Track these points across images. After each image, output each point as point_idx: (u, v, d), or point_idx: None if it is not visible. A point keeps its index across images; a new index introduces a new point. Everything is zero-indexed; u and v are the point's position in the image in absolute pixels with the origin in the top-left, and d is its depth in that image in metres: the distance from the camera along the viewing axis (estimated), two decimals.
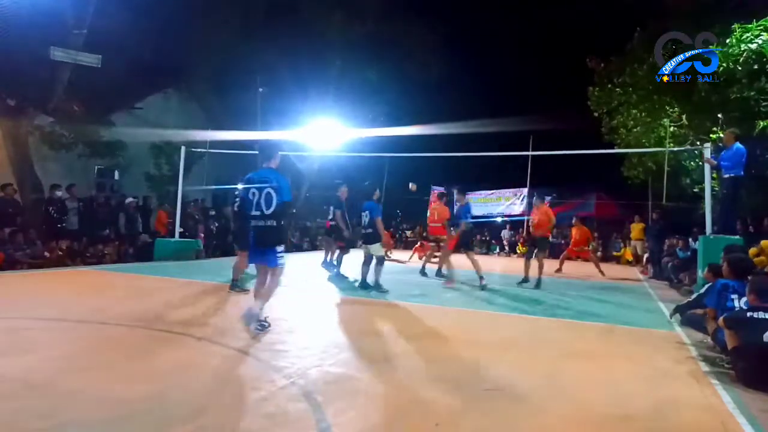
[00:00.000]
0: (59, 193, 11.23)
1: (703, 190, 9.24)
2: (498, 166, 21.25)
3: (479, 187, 22.06)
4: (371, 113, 20.39)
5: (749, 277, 4.56)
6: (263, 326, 4.69)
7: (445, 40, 21.12)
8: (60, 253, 10.05)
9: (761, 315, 3.85)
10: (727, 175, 7.97)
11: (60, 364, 3.59)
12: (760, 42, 9.85)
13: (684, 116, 13.08)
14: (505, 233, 22.47)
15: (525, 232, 20.26)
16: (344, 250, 9.91)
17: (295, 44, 18.06)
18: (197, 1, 15.90)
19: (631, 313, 6.97)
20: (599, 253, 17.26)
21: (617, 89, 13.96)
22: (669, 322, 6.12)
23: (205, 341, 4.37)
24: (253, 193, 4.79)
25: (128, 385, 3.23)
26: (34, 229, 10.13)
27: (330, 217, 9.45)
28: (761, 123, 9.93)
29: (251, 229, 4.80)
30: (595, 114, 15.29)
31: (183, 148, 12.72)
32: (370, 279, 7.98)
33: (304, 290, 7.83)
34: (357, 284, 8.24)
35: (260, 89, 16.85)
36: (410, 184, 10.71)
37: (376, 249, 7.91)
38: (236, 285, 7.16)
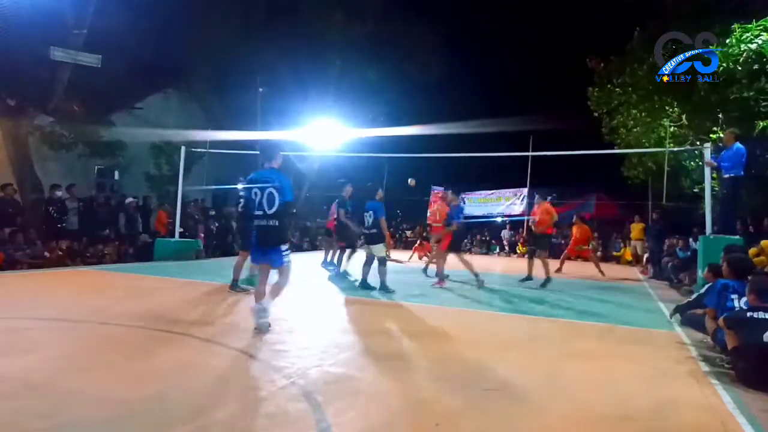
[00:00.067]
0: (59, 193, 11.23)
1: (703, 190, 9.25)
2: (498, 166, 21.22)
3: (479, 187, 22.07)
4: (371, 113, 20.41)
5: (749, 277, 4.56)
6: (264, 315, 4.67)
7: (445, 40, 21.16)
8: (60, 253, 10.05)
9: (761, 315, 3.85)
10: (727, 175, 7.99)
11: (60, 364, 3.59)
12: (760, 42, 9.86)
13: (684, 116, 13.08)
14: (505, 233, 22.49)
15: (525, 232, 20.28)
16: (344, 250, 9.92)
17: (295, 44, 18.08)
18: (197, 1, 15.90)
19: (631, 313, 6.96)
20: (599, 253, 17.26)
21: (617, 89, 13.96)
22: (669, 322, 6.13)
23: (205, 341, 4.37)
24: (256, 193, 4.79)
25: (128, 385, 3.23)
26: (34, 229, 10.13)
27: (333, 216, 9.42)
28: (761, 123, 9.94)
29: (254, 228, 4.81)
30: (595, 114, 15.30)
31: (183, 148, 12.73)
32: (373, 280, 7.98)
33: (304, 290, 7.83)
34: (357, 284, 8.24)
35: (260, 89, 16.86)
36: (409, 180, 10.70)
37: (379, 249, 7.90)
38: (236, 285, 7.16)
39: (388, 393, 3.29)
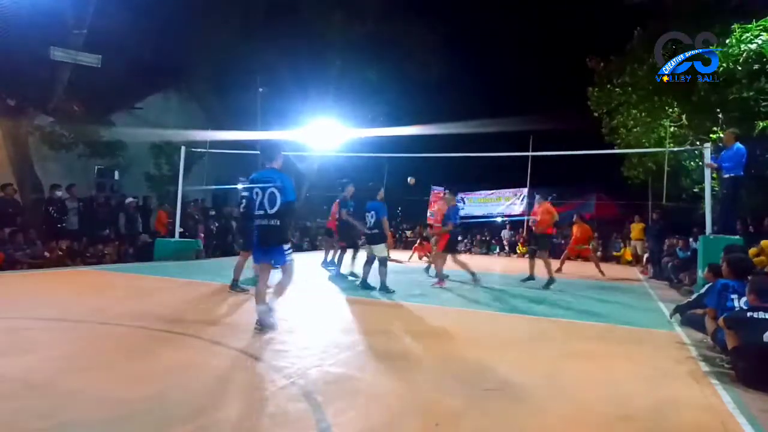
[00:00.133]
0: (59, 193, 11.23)
1: (703, 190, 9.25)
2: (498, 166, 21.27)
3: (479, 187, 22.11)
4: (371, 113, 20.43)
5: (749, 277, 4.56)
6: (263, 326, 4.69)
7: (445, 40, 21.18)
8: (60, 253, 10.05)
9: (761, 315, 3.85)
10: (727, 175, 7.99)
11: (60, 364, 3.59)
12: (760, 42, 9.87)
13: (684, 116, 13.09)
14: (505, 233, 22.50)
15: (525, 232, 20.28)
16: (345, 250, 9.92)
17: (295, 44, 18.09)
18: (197, 1, 15.91)
19: (631, 313, 6.96)
20: (599, 253, 17.25)
21: (617, 89, 13.96)
22: (669, 322, 6.13)
23: (205, 341, 4.37)
24: (257, 193, 4.78)
25: (128, 385, 3.23)
26: (34, 229, 10.13)
27: (335, 216, 9.39)
28: (761, 123, 9.94)
29: (255, 228, 4.81)
30: (595, 114, 15.30)
31: (183, 148, 12.73)
32: (373, 280, 7.97)
33: (304, 290, 7.83)
34: (358, 284, 8.25)
35: (260, 89, 16.87)
36: (409, 178, 10.69)
37: (380, 250, 7.88)
38: (237, 285, 7.16)
39: (389, 393, 3.29)
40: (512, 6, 24.13)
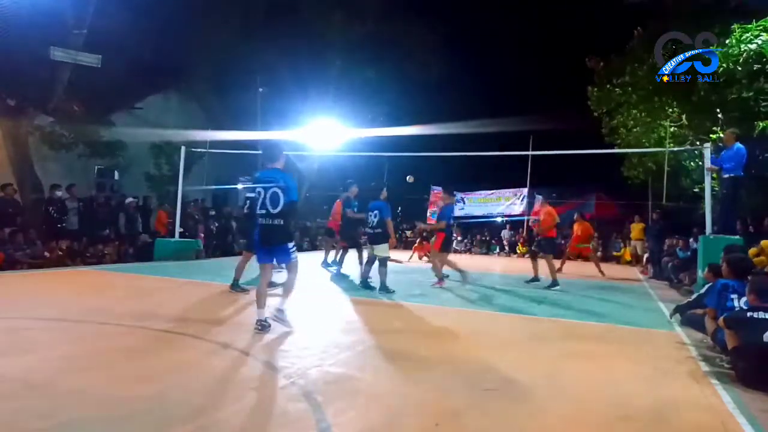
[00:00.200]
0: (59, 193, 11.23)
1: (702, 190, 9.25)
2: (498, 165, 21.28)
3: (479, 187, 22.09)
4: (371, 113, 20.44)
5: (749, 277, 4.56)
6: (263, 326, 4.69)
7: (445, 40, 21.16)
8: (60, 253, 10.06)
9: (761, 315, 3.85)
10: (726, 175, 7.99)
11: (60, 364, 3.59)
12: (760, 42, 9.86)
13: (684, 116, 13.08)
14: (505, 233, 22.50)
15: (525, 232, 20.28)
16: (347, 250, 9.92)
17: (295, 44, 18.09)
18: (197, 1, 15.91)
19: (631, 313, 6.97)
20: (599, 253, 17.22)
21: (617, 89, 13.96)
22: (669, 322, 6.13)
23: (205, 341, 4.37)
24: (259, 192, 4.77)
25: (128, 385, 3.23)
26: (34, 229, 10.13)
27: (336, 215, 9.37)
28: (761, 123, 9.93)
29: (257, 227, 4.81)
30: (595, 114, 15.29)
31: (183, 148, 12.72)
32: (374, 280, 7.97)
33: (304, 290, 7.83)
34: (358, 283, 8.25)
35: (260, 89, 16.89)
36: (408, 177, 10.67)
37: (382, 250, 7.84)
38: (237, 285, 7.16)
39: (389, 393, 3.29)
40: (512, 6, 24.12)
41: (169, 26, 14.00)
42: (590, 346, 4.90)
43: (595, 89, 14.70)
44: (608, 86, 14.21)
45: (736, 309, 4.32)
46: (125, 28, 11.87)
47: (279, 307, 4.80)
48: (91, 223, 11.66)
